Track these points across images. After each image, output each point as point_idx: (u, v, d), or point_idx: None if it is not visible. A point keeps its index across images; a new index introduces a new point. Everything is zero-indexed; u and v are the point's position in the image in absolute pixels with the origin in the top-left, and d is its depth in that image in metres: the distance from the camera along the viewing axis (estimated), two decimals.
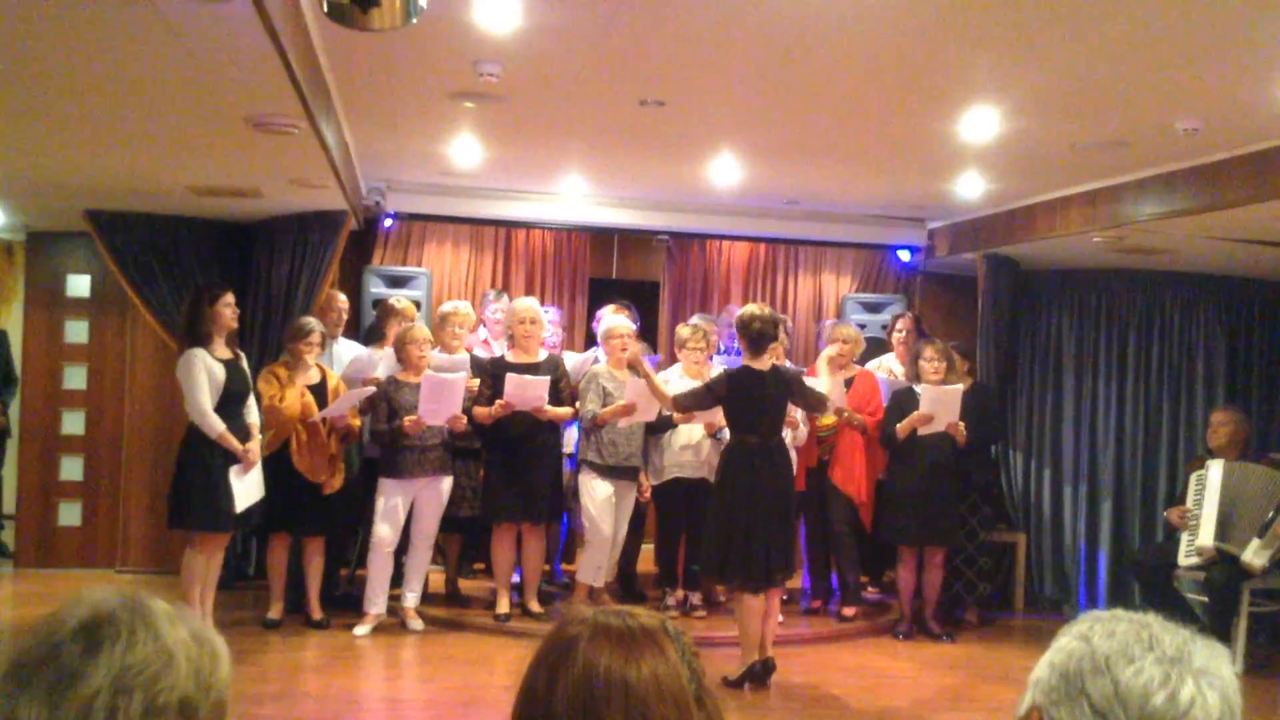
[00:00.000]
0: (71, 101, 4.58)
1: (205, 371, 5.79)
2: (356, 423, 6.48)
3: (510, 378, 6.32)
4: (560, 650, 1.33)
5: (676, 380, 6.73)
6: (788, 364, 6.50)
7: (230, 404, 5.89)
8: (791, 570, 5.99)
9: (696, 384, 6.15)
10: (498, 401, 6.34)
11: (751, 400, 5.60)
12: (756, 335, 5.58)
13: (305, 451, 6.22)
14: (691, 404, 5.83)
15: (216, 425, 5.79)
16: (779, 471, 5.63)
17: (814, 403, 6.03)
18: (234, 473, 5.83)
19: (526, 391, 6.33)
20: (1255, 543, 6.20)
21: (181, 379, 5.86)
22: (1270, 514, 6.21)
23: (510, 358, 6.61)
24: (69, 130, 5.13)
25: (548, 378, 6.46)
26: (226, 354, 5.97)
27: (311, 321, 6.45)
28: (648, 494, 6.83)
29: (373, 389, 6.43)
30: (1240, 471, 6.47)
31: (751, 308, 5.72)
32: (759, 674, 5.58)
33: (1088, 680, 1.21)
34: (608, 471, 6.54)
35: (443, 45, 4.28)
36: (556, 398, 6.53)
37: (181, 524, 5.96)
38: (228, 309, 5.95)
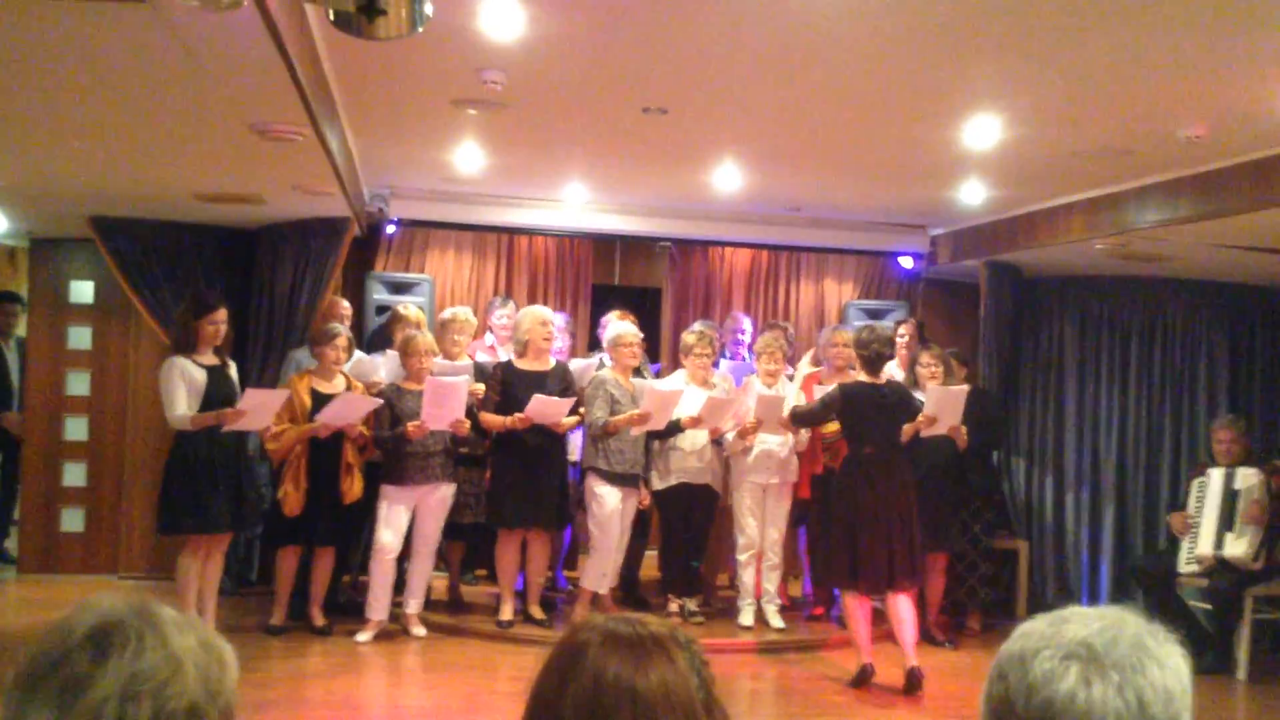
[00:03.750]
0: (77, 108, 4.59)
1: (181, 377, 5.81)
2: (367, 432, 6.45)
3: (537, 399, 6.27)
4: (570, 657, 1.34)
5: (684, 387, 6.71)
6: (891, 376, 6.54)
7: (212, 410, 5.88)
8: (916, 577, 6.03)
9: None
10: (516, 415, 6.30)
11: (867, 413, 5.88)
12: (875, 356, 5.90)
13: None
14: (809, 419, 6.22)
15: (188, 415, 5.80)
16: (897, 480, 5.85)
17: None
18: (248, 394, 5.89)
19: (548, 409, 6.32)
20: (1229, 536, 6.38)
21: (160, 384, 5.89)
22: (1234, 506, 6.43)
23: (519, 364, 6.59)
24: (74, 137, 5.14)
25: (571, 400, 6.46)
26: (212, 361, 5.97)
27: (338, 326, 6.46)
28: (648, 500, 6.82)
29: (376, 401, 6.39)
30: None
31: (864, 330, 6.08)
32: (869, 677, 5.79)
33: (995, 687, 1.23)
34: (615, 479, 6.53)
35: (447, 53, 4.29)
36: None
37: (172, 530, 5.95)
38: (210, 326, 5.93)
